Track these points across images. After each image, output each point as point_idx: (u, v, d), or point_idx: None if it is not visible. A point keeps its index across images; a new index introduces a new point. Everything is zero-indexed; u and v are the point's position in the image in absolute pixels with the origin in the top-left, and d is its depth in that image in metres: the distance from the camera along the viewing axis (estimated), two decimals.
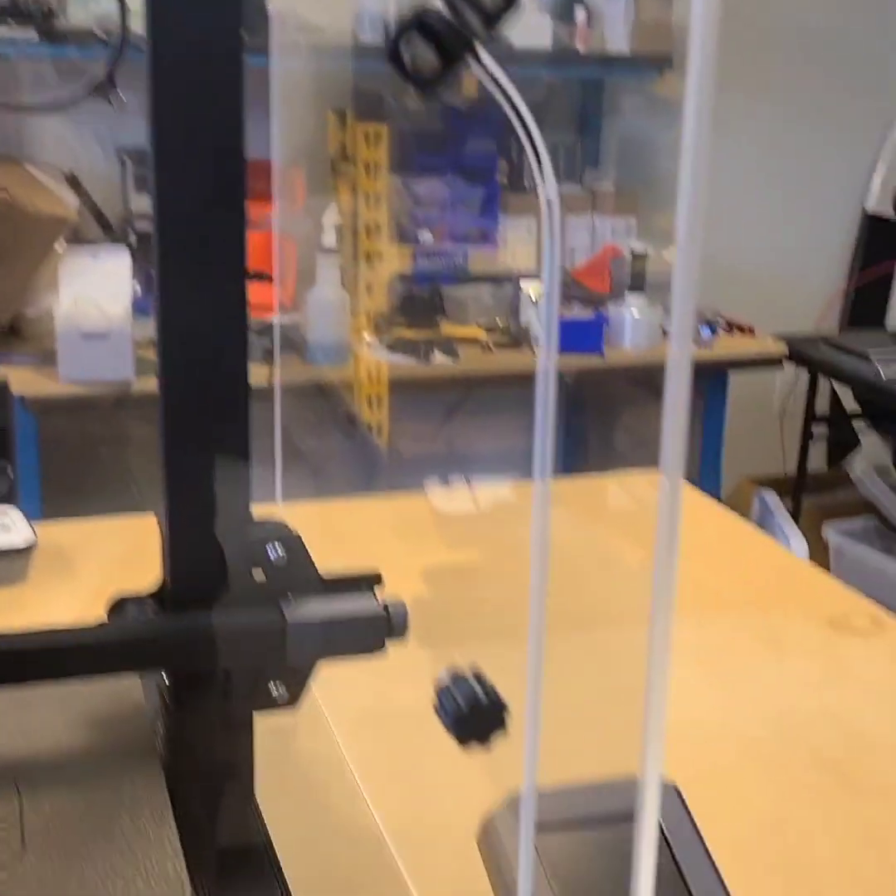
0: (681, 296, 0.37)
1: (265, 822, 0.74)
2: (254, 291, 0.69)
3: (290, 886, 0.69)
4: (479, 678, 0.58)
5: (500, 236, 3.03)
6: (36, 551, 1.14)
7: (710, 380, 2.91)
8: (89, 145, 2.79)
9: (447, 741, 0.61)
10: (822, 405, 3.38)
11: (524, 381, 0.45)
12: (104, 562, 1.17)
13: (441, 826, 0.79)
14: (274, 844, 0.72)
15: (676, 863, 0.62)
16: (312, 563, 0.68)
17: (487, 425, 2.93)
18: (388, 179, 2.73)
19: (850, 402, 3.44)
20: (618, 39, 3.01)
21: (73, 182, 2.62)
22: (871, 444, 3.48)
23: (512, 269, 2.92)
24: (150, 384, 0.67)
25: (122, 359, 2.28)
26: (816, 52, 3.45)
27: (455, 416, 3.02)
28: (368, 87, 2.74)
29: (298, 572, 0.67)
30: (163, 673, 0.69)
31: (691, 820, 0.64)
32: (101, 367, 2.28)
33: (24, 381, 2.33)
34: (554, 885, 0.60)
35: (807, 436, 3.24)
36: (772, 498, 3.12)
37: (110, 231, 2.67)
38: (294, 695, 0.69)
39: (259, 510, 0.69)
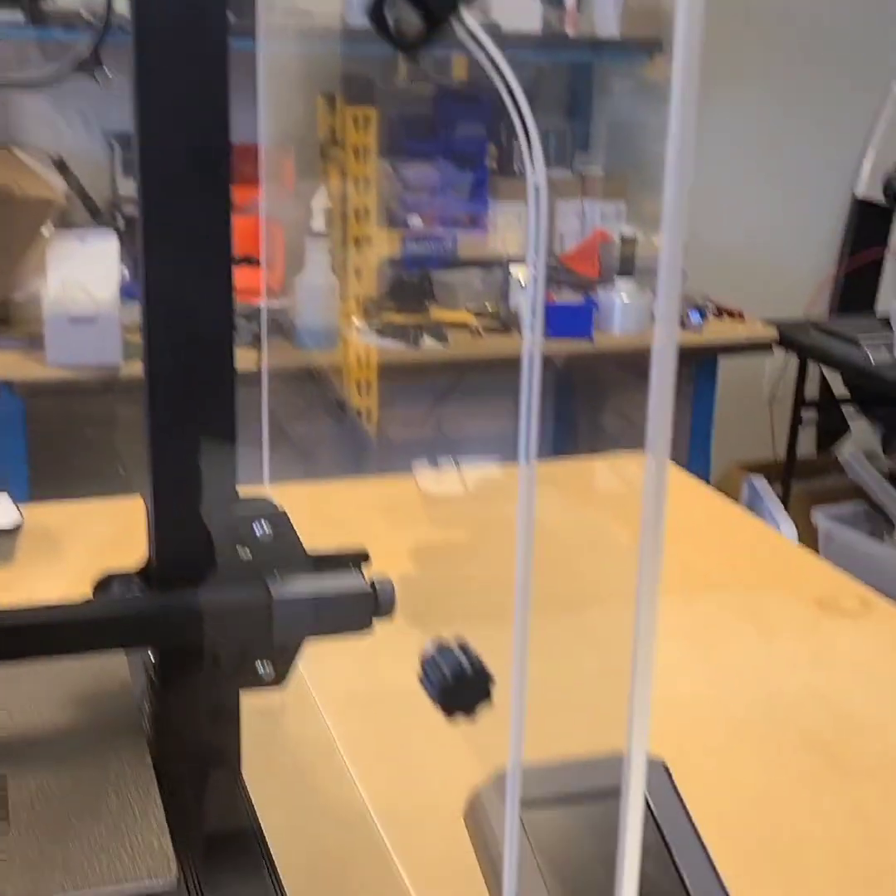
0: (668, 267, 0.37)
1: (252, 801, 0.74)
2: (242, 276, 0.69)
3: (277, 864, 0.69)
4: (465, 649, 0.58)
5: (489, 221, 3.03)
6: (23, 532, 1.14)
7: (700, 364, 2.91)
8: (77, 129, 2.77)
9: (434, 720, 0.61)
10: (812, 390, 3.38)
11: (513, 366, 0.45)
12: (91, 542, 1.16)
13: (429, 804, 0.79)
14: (261, 823, 0.72)
15: (664, 838, 0.62)
16: (299, 541, 0.68)
17: (477, 410, 2.92)
18: (377, 164, 2.72)
19: (839, 388, 3.44)
20: (607, 23, 3.01)
21: (61, 166, 2.61)
22: (860, 429, 3.49)
23: (501, 254, 2.92)
24: (139, 368, 0.66)
25: (110, 343, 2.27)
26: (806, 37, 3.45)
27: (445, 400, 3.02)
28: (358, 70, 2.73)
29: (285, 549, 0.67)
30: (149, 651, 0.69)
31: (679, 796, 0.64)
32: (89, 352, 2.27)
33: (12, 365, 2.32)
34: (540, 860, 0.59)
35: (796, 421, 3.25)
36: (761, 483, 3.12)
37: (98, 215, 2.66)
38: (281, 673, 0.68)
39: (246, 491, 0.69)
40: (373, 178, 2.70)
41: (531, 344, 0.44)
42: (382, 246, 2.78)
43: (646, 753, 0.42)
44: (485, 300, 2.83)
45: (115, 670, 0.70)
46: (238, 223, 0.65)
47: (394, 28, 0.35)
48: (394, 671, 0.79)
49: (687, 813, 0.64)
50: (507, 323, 2.75)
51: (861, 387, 3.30)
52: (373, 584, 0.68)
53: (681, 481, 1.44)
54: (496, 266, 2.87)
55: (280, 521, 0.67)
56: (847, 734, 0.94)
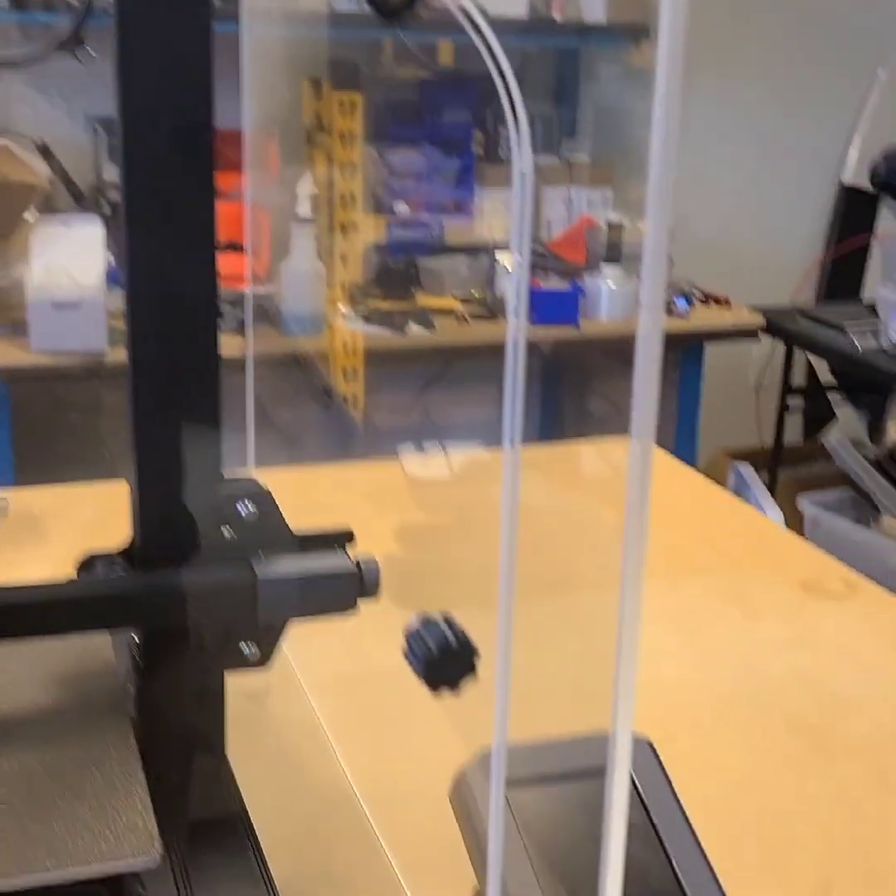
0: (653, 253, 0.37)
1: (237, 781, 0.73)
2: (227, 262, 0.69)
3: (262, 844, 0.69)
4: (450, 622, 0.58)
5: (475, 207, 3.02)
6: (7, 517, 1.13)
7: (686, 351, 2.91)
8: (61, 115, 2.76)
9: (420, 699, 0.61)
10: (798, 377, 3.39)
11: (500, 352, 0.45)
12: (75, 526, 1.16)
13: (414, 784, 0.79)
14: (246, 803, 0.72)
15: (650, 817, 0.62)
16: (284, 521, 0.68)
17: (463, 396, 2.92)
18: (363, 149, 2.72)
19: (825, 375, 3.44)
20: (594, 9, 3.00)
21: (45, 151, 2.60)
22: (846, 416, 3.49)
23: (488, 241, 2.91)
24: (124, 355, 0.66)
25: (95, 329, 2.26)
26: (793, 24, 3.44)
27: (431, 387, 3.02)
28: (344, 55, 2.72)
29: (269, 529, 0.67)
30: (133, 631, 0.69)
31: (665, 775, 0.64)
32: (74, 338, 2.26)
33: None
34: (526, 839, 0.59)
35: (783, 408, 3.25)
36: (747, 470, 3.13)
37: (82, 200, 2.65)
38: (265, 654, 0.68)
39: (231, 474, 0.69)
40: (359, 163, 2.69)
41: (515, 329, 0.44)
42: (368, 232, 2.78)
43: (631, 731, 0.42)
44: (471, 286, 2.83)
45: (98, 651, 0.70)
46: (223, 209, 0.65)
47: None
48: (379, 651, 0.79)
49: (673, 791, 0.64)
50: (494, 309, 2.75)
51: (847, 374, 3.31)
52: (358, 564, 0.68)
53: (667, 465, 1.44)
54: (482, 252, 2.87)
55: (264, 500, 0.67)
56: (831, 716, 0.94)
